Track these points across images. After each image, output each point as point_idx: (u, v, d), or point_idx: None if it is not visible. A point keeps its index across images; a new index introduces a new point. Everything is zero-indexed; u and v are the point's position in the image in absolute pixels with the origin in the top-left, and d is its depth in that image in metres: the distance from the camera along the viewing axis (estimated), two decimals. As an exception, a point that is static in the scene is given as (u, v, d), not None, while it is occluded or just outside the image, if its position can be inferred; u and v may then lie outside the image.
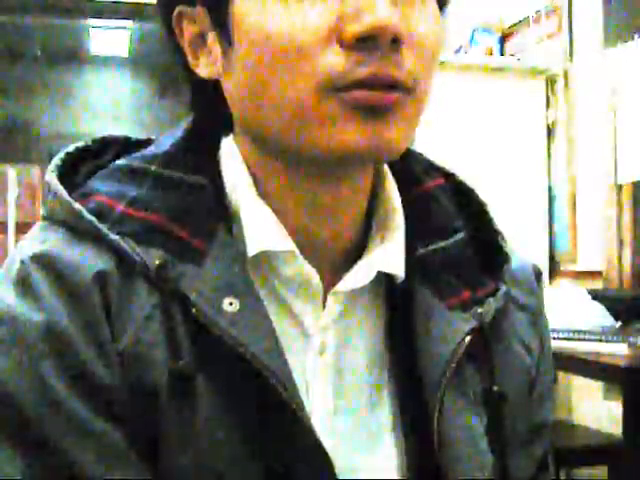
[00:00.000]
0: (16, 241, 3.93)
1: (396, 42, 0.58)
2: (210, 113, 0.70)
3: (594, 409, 3.02)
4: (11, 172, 4.09)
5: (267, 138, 0.64)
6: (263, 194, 0.66)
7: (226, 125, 0.69)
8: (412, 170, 0.74)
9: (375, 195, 0.71)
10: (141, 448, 0.59)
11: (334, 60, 0.58)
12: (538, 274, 0.78)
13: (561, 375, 3.01)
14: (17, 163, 4.27)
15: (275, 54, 0.59)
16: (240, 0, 0.61)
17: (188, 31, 0.66)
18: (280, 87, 0.59)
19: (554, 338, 2.11)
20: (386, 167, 0.72)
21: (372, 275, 0.67)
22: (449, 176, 0.76)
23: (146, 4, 4.85)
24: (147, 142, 0.73)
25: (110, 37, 6.71)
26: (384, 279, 0.70)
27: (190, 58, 0.67)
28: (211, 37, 0.65)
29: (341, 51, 0.58)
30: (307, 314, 0.67)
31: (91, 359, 0.58)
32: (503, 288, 0.71)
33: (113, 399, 0.59)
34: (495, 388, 0.69)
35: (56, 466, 0.58)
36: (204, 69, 0.66)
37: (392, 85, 0.59)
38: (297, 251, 0.65)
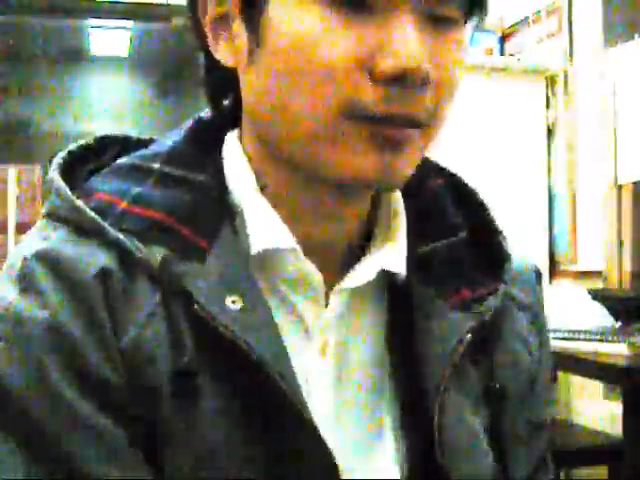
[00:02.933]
0: (16, 241, 3.92)
1: (424, 83, 0.59)
2: (221, 93, 0.70)
3: (594, 409, 3.02)
4: (11, 172, 4.09)
5: (277, 148, 0.64)
6: (266, 192, 0.66)
7: (232, 119, 0.69)
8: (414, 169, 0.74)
9: (377, 195, 0.71)
10: (143, 446, 0.59)
11: (362, 90, 0.59)
12: (538, 273, 0.79)
13: (561, 375, 3.01)
14: (17, 163, 4.27)
15: (305, 71, 0.59)
16: (275, 4, 0.60)
17: (212, 11, 0.66)
18: (302, 104, 0.60)
19: (554, 338, 2.11)
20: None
21: (374, 273, 0.67)
22: (450, 176, 0.77)
23: (146, 4, 4.85)
24: (149, 141, 0.73)
25: (110, 37, 6.70)
26: (385, 278, 0.70)
27: (210, 38, 0.66)
28: (237, 22, 0.64)
29: (370, 82, 0.59)
30: (309, 312, 0.67)
31: (94, 356, 0.59)
32: (503, 287, 0.71)
33: (114, 396, 0.59)
34: (495, 386, 0.70)
35: (57, 463, 0.58)
36: (224, 55, 0.66)
37: (411, 122, 0.60)
38: (299, 249, 0.65)
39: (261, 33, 0.62)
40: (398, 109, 0.59)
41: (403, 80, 0.58)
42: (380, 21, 0.59)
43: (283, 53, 0.60)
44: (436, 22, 0.61)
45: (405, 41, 0.58)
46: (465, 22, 0.64)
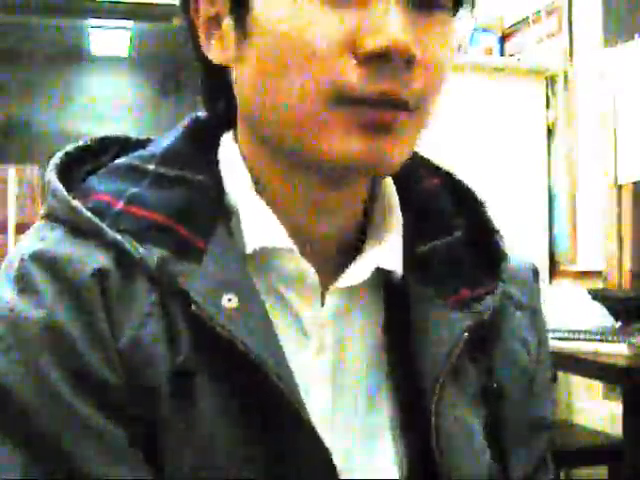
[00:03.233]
0: (16, 241, 3.92)
1: (409, 62, 0.59)
2: (216, 95, 0.70)
3: (594, 409, 3.02)
4: (11, 172, 4.09)
5: (269, 136, 0.64)
6: (262, 191, 0.66)
7: (228, 118, 0.69)
8: (410, 168, 0.74)
9: (373, 193, 0.71)
10: (142, 446, 0.59)
11: (347, 71, 0.59)
12: (535, 272, 0.79)
13: (561, 375, 3.01)
14: (17, 163, 4.27)
15: (290, 55, 0.59)
16: None
17: (204, 11, 0.66)
18: (289, 89, 0.60)
19: (554, 338, 2.11)
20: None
21: (370, 271, 0.67)
22: (447, 175, 0.77)
23: (146, 4, 4.85)
24: (147, 142, 0.73)
25: (110, 37, 6.71)
26: (382, 277, 0.70)
27: (202, 39, 0.67)
28: (226, 22, 0.65)
29: (355, 63, 0.59)
30: (306, 311, 0.67)
31: (91, 356, 0.59)
32: (501, 286, 0.71)
33: (113, 396, 0.59)
34: (493, 386, 0.69)
35: (56, 463, 0.58)
36: (215, 53, 0.66)
37: (398, 104, 0.60)
38: (295, 249, 0.65)
39: (247, 25, 0.62)
40: (384, 88, 0.59)
41: (387, 58, 0.58)
42: (363, 3, 0.59)
43: (268, 40, 0.60)
44: (423, 8, 0.61)
45: (387, 19, 0.58)
46: (454, 12, 0.64)
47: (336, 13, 0.59)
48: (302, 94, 0.59)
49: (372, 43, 0.58)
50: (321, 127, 0.60)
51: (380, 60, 0.58)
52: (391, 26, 0.58)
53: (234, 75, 0.66)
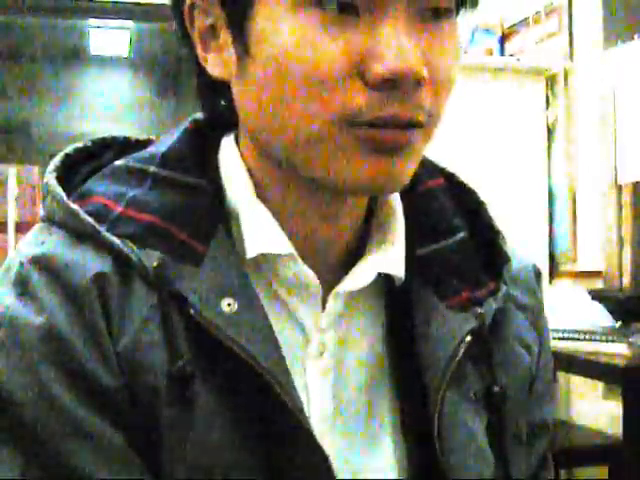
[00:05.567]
0: (16, 241, 3.92)
1: (418, 83, 0.58)
2: (216, 107, 0.69)
3: (594, 409, 3.02)
4: (11, 172, 4.09)
5: (274, 155, 0.64)
6: (262, 197, 0.66)
7: (229, 121, 0.69)
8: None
9: (375, 197, 0.71)
10: (140, 450, 0.59)
11: (356, 97, 0.58)
12: (538, 274, 0.78)
13: (561, 375, 3.01)
14: (17, 163, 4.27)
15: (297, 81, 0.58)
16: (262, 14, 0.59)
17: (200, 23, 0.65)
18: (296, 114, 0.59)
19: (554, 338, 2.11)
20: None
21: (372, 277, 0.67)
22: (449, 176, 0.77)
23: (146, 4, 4.84)
24: (147, 143, 0.73)
25: (110, 37, 6.70)
26: (384, 280, 0.70)
27: (199, 50, 0.66)
28: (224, 34, 0.63)
29: (363, 88, 0.58)
30: (306, 316, 0.66)
31: (90, 361, 0.58)
32: (503, 288, 0.71)
33: (112, 401, 0.59)
34: (495, 388, 0.69)
35: (55, 467, 0.58)
36: (214, 67, 0.65)
37: (410, 124, 0.59)
38: (296, 254, 0.65)
39: (249, 44, 0.60)
40: (393, 112, 0.58)
41: (396, 84, 0.57)
42: (370, 24, 0.58)
43: (273, 64, 0.59)
44: (428, 15, 0.60)
45: (395, 44, 0.57)
46: (457, 12, 0.63)
47: (343, 37, 0.57)
48: (310, 118, 0.58)
49: (380, 69, 0.57)
50: (328, 150, 0.59)
51: (389, 84, 0.57)
52: (399, 52, 0.56)
53: (234, 90, 0.64)
